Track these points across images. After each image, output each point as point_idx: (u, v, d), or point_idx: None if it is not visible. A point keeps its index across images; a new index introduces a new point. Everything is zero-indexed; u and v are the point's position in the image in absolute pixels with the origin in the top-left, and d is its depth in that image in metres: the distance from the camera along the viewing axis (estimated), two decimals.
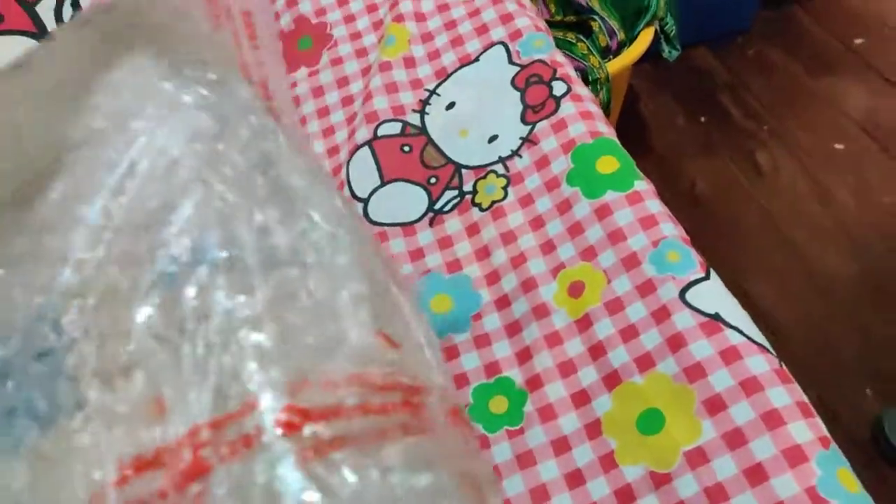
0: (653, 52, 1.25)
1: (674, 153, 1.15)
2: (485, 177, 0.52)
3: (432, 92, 0.57)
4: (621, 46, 0.87)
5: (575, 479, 0.41)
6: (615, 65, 0.85)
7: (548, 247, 0.48)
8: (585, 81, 0.84)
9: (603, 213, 0.47)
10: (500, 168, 0.52)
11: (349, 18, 0.63)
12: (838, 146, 1.13)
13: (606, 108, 0.88)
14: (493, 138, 0.53)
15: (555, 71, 0.54)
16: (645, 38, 0.88)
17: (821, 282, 0.99)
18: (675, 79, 1.23)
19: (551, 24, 0.87)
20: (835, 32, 1.26)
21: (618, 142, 0.51)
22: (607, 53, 0.86)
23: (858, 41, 1.25)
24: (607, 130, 0.51)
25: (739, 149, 1.13)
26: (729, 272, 1.02)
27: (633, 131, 1.17)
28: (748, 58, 1.25)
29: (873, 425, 0.85)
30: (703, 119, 1.18)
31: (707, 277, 0.44)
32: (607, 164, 0.49)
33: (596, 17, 0.86)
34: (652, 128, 1.19)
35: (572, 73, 0.54)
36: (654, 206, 0.47)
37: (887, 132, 1.14)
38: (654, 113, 1.20)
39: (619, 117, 1.03)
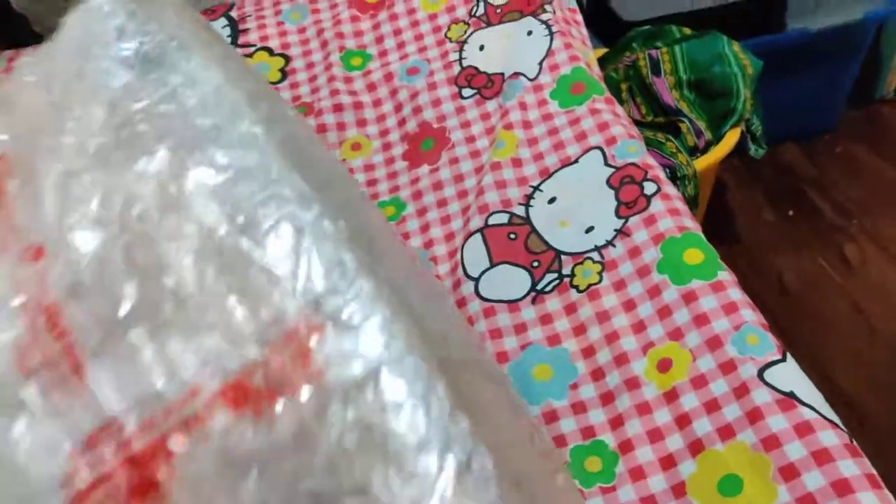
0: (740, 149, 1.31)
1: (761, 246, 1.19)
2: (582, 262, 0.60)
3: (536, 188, 0.66)
4: (709, 145, 0.95)
5: None
6: (702, 162, 0.93)
7: (639, 326, 0.55)
8: (674, 178, 0.92)
9: (689, 298, 0.54)
10: (595, 255, 0.60)
11: (465, 125, 0.74)
12: None
13: (694, 202, 0.95)
14: (589, 229, 0.61)
15: (646, 172, 0.62)
16: (731, 138, 0.95)
17: None
18: (762, 173, 1.28)
19: (642, 125, 0.96)
20: None
21: (703, 236, 0.58)
22: (695, 152, 0.94)
23: None
24: (693, 226, 0.59)
25: (828, 243, 1.16)
26: (816, 362, 1.04)
27: (720, 223, 1.22)
28: (835, 154, 1.28)
29: None
30: (790, 213, 1.22)
31: (784, 360, 0.49)
32: (694, 256, 0.56)
33: (684, 119, 0.94)
34: (739, 220, 1.23)
35: (662, 175, 0.62)
36: (736, 294, 0.53)
37: None
38: (742, 206, 1.25)
39: (706, 209, 1.09)
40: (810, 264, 1.14)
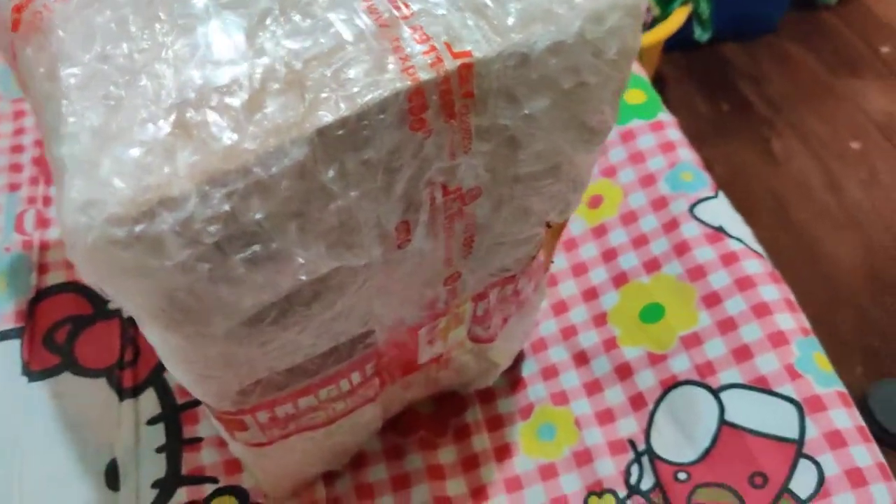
0: (683, 41, 1.28)
1: (694, 137, 1.18)
2: None
3: None
4: (655, 21, 0.91)
5: (580, 359, 0.45)
6: (647, 38, 0.90)
7: None
8: None
9: (627, 137, 0.52)
10: None
11: None
12: (854, 144, 1.16)
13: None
14: None
15: None
16: (678, 16, 0.92)
17: (823, 264, 1.02)
18: (701, 68, 1.27)
19: None
20: (862, 37, 1.30)
21: (647, 80, 0.55)
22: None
23: (885, 49, 1.28)
24: (637, 69, 0.56)
25: (757, 137, 1.17)
26: None
27: None
28: (773, 53, 1.28)
29: (860, 402, 0.88)
30: (724, 107, 1.21)
31: (716, 196, 0.48)
32: (635, 97, 0.54)
33: None
34: (675, 112, 1.22)
35: None
36: (675, 134, 0.51)
37: None
38: (680, 99, 1.24)
39: None
40: (738, 156, 1.15)
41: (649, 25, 0.91)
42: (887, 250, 1.04)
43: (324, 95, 0.20)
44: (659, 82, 1.26)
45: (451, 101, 0.21)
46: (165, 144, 0.19)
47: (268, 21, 0.21)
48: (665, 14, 0.92)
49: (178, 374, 0.26)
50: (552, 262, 0.37)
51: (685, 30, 1.05)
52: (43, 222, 0.50)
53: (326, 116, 0.20)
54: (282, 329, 0.25)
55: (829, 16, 1.34)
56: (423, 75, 0.21)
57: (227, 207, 0.20)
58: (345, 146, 0.21)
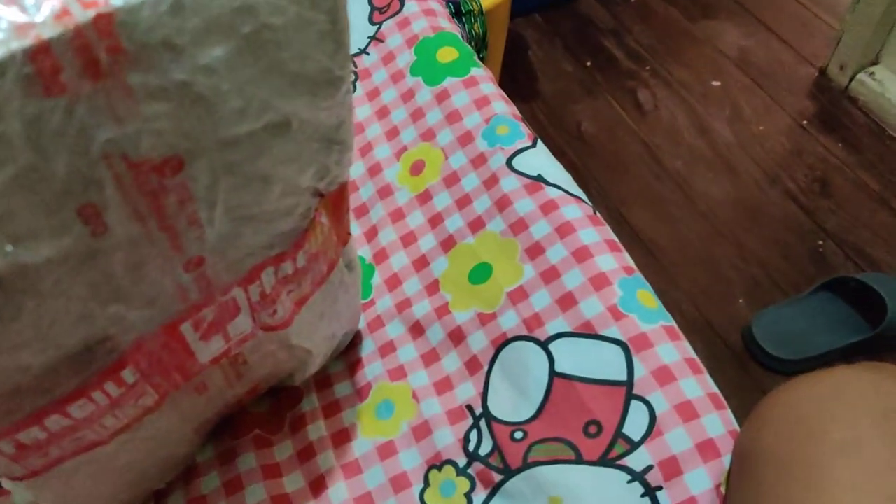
0: (542, 3, 1.29)
1: (561, 97, 1.20)
2: None
3: None
4: None
5: (416, 330, 0.43)
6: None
7: (392, 133, 0.51)
8: (458, 13, 0.87)
9: (442, 97, 0.50)
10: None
11: None
12: (715, 83, 1.20)
13: (483, 41, 0.91)
14: None
15: None
16: None
17: (699, 205, 1.05)
18: (562, 27, 1.28)
19: None
20: None
21: (459, 35, 0.54)
22: None
23: None
24: (449, 26, 0.54)
25: (622, 89, 1.19)
26: (613, 202, 1.08)
27: (522, 79, 1.21)
28: (631, 5, 1.30)
29: (744, 332, 0.91)
30: (588, 63, 1.23)
31: (534, 146, 0.47)
32: (447, 54, 0.52)
33: None
34: (540, 75, 1.23)
35: None
36: (489, 88, 0.50)
37: (759, 69, 1.21)
38: (543, 60, 1.24)
39: (509, 65, 1.07)
40: (606, 111, 1.17)
41: None
42: (756, 182, 1.08)
43: None
44: (521, 47, 1.26)
45: (93, 58, 0.19)
46: None
47: None
48: None
49: None
50: (348, 233, 0.35)
51: None
52: None
53: None
54: None
55: None
56: (47, 32, 0.18)
57: None
58: None
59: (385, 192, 0.49)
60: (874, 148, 1.07)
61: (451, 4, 0.81)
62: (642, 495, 0.35)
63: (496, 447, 0.38)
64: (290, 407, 0.42)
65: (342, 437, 0.40)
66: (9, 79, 0.18)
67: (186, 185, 0.23)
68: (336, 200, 0.31)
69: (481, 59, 0.86)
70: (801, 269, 0.96)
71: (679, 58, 1.25)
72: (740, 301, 0.97)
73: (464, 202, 0.46)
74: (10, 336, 0.22)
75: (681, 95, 1.20)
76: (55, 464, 0.28)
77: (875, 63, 1.10)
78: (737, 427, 0.37)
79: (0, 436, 0.25)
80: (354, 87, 0.53)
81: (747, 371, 0.91)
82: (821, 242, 0.98)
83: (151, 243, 0.23)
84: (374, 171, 0.50)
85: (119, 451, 0.31)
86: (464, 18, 0.90)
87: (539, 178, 0.45)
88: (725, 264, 1.00)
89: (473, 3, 0.88)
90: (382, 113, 0.52)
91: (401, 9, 0.55)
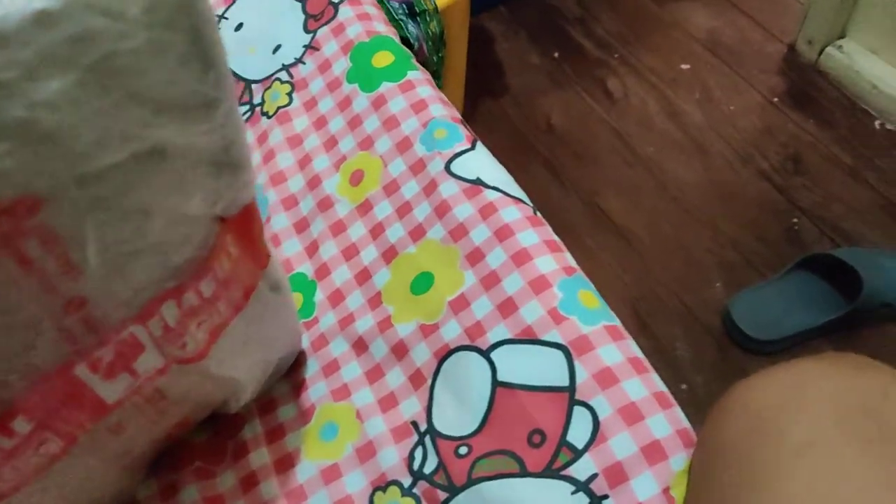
0: None
1: (529, 90, 1.18)
2: (270, 86, 0.53)
3: (221, 16, 0.57)
4: None
5: (359, 347, 0.42)
6: None
7: (330, 143, 0.49)
8: (412, 13, 0.85)
9: (379, 103, 0.49)
10: (284, 75, 0.53)
11: None
12: (684, 66, 1.19)
13: (440, 40, 0.90)
14: (277, 48, 0.54)
15: None
16: None
17: (671, 190, 1.04)
18: (527, 19, 1.26)
19: None
20: None
21: (395, 38, 0.52)
22: None
23: None
24: (385, 29, 0.53)
25: (591, 79, 1.17)
26: (586, 193, 1.06)
27: (489, 73, 1.20)
28: None
29: (723, 315, 0.90)
30: (556, 55, 1.21)
31: (473, 148, 0.46)
32: (383, 59, 0.50)
33: None
34: (507, 68, 1.21)
35: None
36: (426, 91, 0.48)
37: (727, 49, 1.20)
38: (509, 54, 1.23)
39: (475, 60, 1.05)
40: (576, 101, 1.15)
41: None
42: (728, 163, 1.06)
43: None
44: (486, 41, 1.25)
45: None
46: None
47: None
48: None
49: None
50: (266, 255, 0.34)
51: None
52: None
53: None
54: None
55: None
56: None
57: None
58: None
59: (325, 204, 0.47)
60: (845, 122, 1.06)
61: (404, 5, 0.79)
62: None
63: (441, 464, 0.37)
64: (231, 435, 0.41)
65: (286, 463, 0.39)
66: None
67: (48, 225, 0.21)
68: (242, 223, 0.30)
69: (440, 58, 0.85)
70: (776, 249, 0.95)
71: (647, 43, 1.24)
72: (717, 285, 0.95)
73: (404, 210, 0.45)
74: None
75: (650, 81, 1.19)
76: None
77: (843, 36, 1.09)
78: (686, 425, 0.36)
79: None
80: (290, 98, 0.52)
81: (728, 355, 0.90)
82: (796, 220, 0.97)
83: (18, 290, 0.22)
84: (314, 183, 0.48)
85: (33, 501, 0.29)
86: (418, 18, 0.88)
87: (478, 182, 0.44)
88: (701, 248, 0.99)
89: (427, 2, 0.87)
90: (320, 123, 0.50)
91: (335, 15, 0.53)
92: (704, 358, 0.88)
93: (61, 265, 0.23)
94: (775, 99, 1.11)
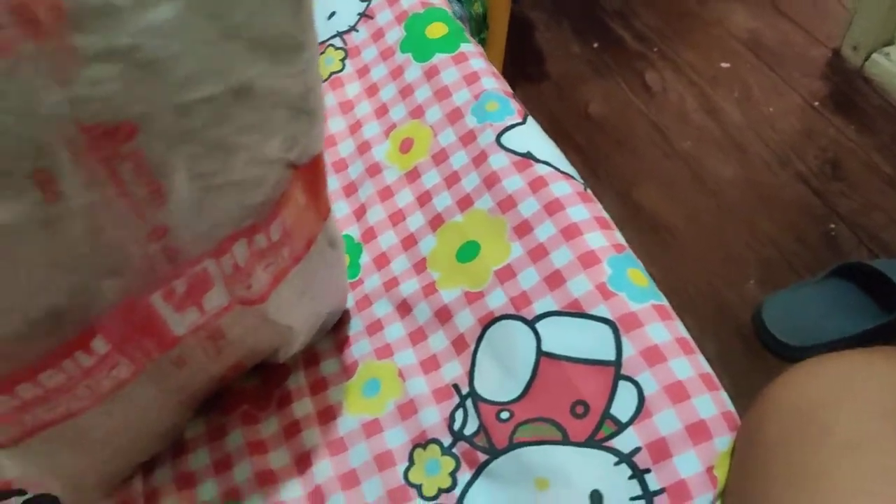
0: None
1: (569, 78, 1.18)
2: (324, 52, 0.53)
3: None
4: None
5: (403, 309, 0.43)
6: None
7: (381, 111, 0.50)
8: None
9: (431, 73, 0.49)
10: (337, 41, 0.53)
11: None
12: (724, 64, 1.18)
13: (483, 22, 0.90)
14: (331, 15, 0.54)
15: None
16: None
17: (709, 185, 1.03)
18: (568, 10, 1.26)
19: None
20: None
21: (448, 11, 0.53)
22: None
23: None
24: (439, 2, 0.53)
25: (630, 70, 1.17)
26: (622, 183, 1.06)
27: (530, 60, 1.20)
28: None
29: (754, 316, 0.90)
30: (595, 45, 1.21)
31: (524, 122, 0.46)
32: (437, 30, 0.51)
33: None
34: (547, 56, 1.21)
35: None
36: (479, 63, 0.49)
37: (769, 50, 1.19)
38: (550, 42, 1.22)
39: (516, 47, 1.05)
40: (615, 92, 1.15)
41: None
42: (766, 163, 1.06)
43: None
44: (528, 29, 1.25)
45: (33, 17, 0.18)
46: None
47: None
48: None
49: None
50: (327, 208, 0.35)
51: None
52: None
53: None
54: None
55: None
56: None
57: None
58: None
59: (374, 170, 0.48)
60: (888, 129, 1.05)
61: None
62: (630, 477, 0.34)
63: (482, 427, 0.38)
64: (277, 384, 0.42)
65: (328, 415, 0.40)
66: None
67: (142, 151, 0.22)
68: (311, 173, 0.31)
69: (482, 41, 0.85)
70: (813, 252, 0.94)
71: (687, 39, 1.23)
72: (751, 282, 0.95)
73: (452, 180, 0.45)
74: None
75: (689, 77, 1.18)
76: (32, 433, 0.28)
77: (890, 43, 1.07)
78: (731, 408, 0.36)
79: None
80: (343, 64, 0.53)
81: (757, 354, 0.89)
82: (833, 226, 0.96)
83: (110, 212, 0.23)
84: (364, 149, 0.49)
85: (98, 423, 0.31)
86: None
87: (528, 156, 0.44)
88: (737, 244, 0.98)
89: None
90: (372, 91, 0.51)
91: None
92: (732, 358, 0.87)
93: (150, 192, 0.24)
94: (816, 103, 1.10)
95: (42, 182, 0.21)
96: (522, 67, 1.19)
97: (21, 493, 0.39)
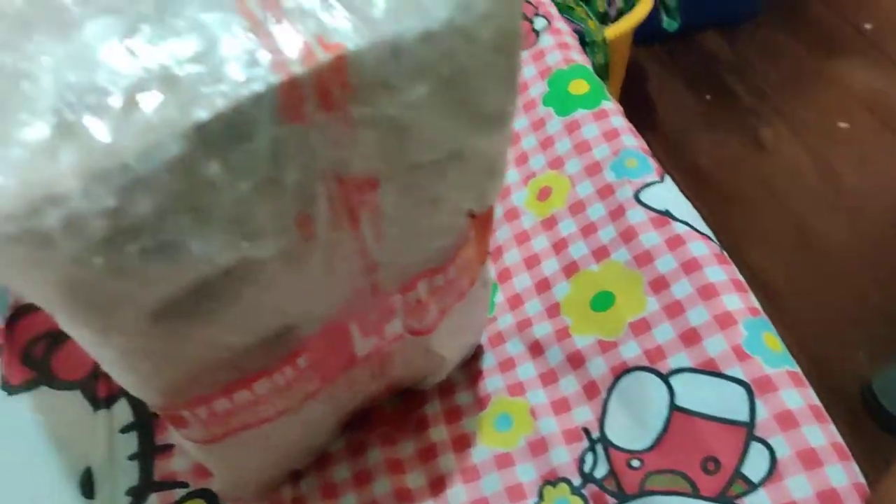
0: (662, 34, 1.29)
1: (680, 130, 1.19)
2: None
3: None
4: (620, 14, 0.92)
5: (535, 350, 0.46)
6: (613, 30, 0.90)
7: (521, 159, 0.53)
8: (582, 43, 0.89)
9: (572, 128, 0.52)
10: None
11: None
12: (842, 124, 1.16)
13: (604, 71, 0.93)
14: None
15: (537, 8, 0.59)
16: (643, 7, 0.92)
17: (819, 250, 1.01)
18: (682, 60, 1.27)
19: None
20: (844, 17, 1.29)
21: (591, 69, 0.56)
22: (606, 19, 0.91)
23: (867, 26, 1.28)
24: (581, 59, 0.56)
25: (743, 126, 1.17)
26: (728, 240, 1.05)
27: (641, 109, 1.22)
28: (755, 40, 1.28)
29: (864, 388, 0.87)
30: (708, 97, 1.21)
31: (662, 181, 0.48)
32: (579, 87, 0.54)
33: None
34: (659, 106, 1.23)
35: (553, 11, 0.59)
36: (618, 121, 0.52)
37: (891, 112, 1.16)
38: (662, 92, 1.24)
39: (628, 95, 1.08)
40: (725, 146, 1.15)
41: (614, 18, 0.92)
42: (883, 231, 1.03)
43: (200, 92, 0.21)
44: (640, 77, 1.27)
45: (328, 92, 0.22)
46: (48, 144, 0.20)
47: (143, 25, 0.22)
48: (630, 5, 0.93)
49: (106, 369, 0.27)
50: (488, 252, 0.38)
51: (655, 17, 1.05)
52: None
53: (202, 112, 0.21)
54: (194, 323, 0.25)
55: None
56: (296, 69, 0.21)
57: (111, 203, 0.21)
58: (225, 141, 0.21)
59: (512, 214, 0.51)
60: None
61: (576, 34, 0.83)
62: None
63: (612, 472, 0.39)
64: (414, 408, 0.45)
65: (462, 443, 0.43)
66: (264, 106, 0.21)
67: (377, 201, 0.26)
68: (484, 222, 0.34)
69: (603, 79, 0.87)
70: None
71: (804, 97, 1.22)
72: (860, 353, 0.92)
73: (589, 230, 0.48)
74: (226, 317, 0.26)
75: (804, 135, 1.17)
76: (231, 433, 0.32)
77: None
78: (862, 480, 0.36)
79: (199, 403, 0.29)
80: None
81: (863, 427, 0.87)
82: None
83: (344, 249, 0.27)
84: (503, 194, 0.52)
85: (277, 430, 0.34)
86: (587, 49, 0.92)
87: (667, 214, 0.46)
88: (845, 312, 0.96)
89: (597, 34, 0.90)
90: (514, 139, 0.54)
91: (536, 41, 0.57)
92: (837, 427, 0.85)
93: (375, 234, 0.27)
94: None
95: (302, 223, 0.25)
96: (633, 116, 1.20)
97: (183, 485, 0.43)
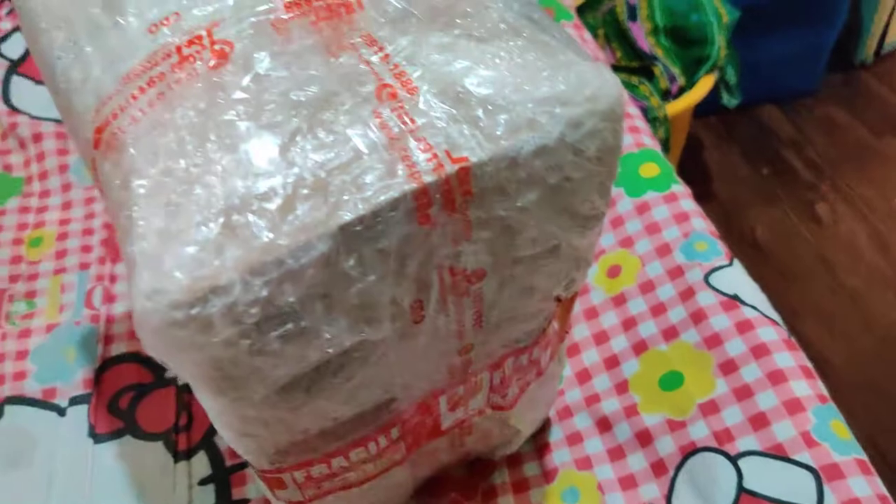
0: (720, 107, 1.31)
1: (735, 202, 1.20)
2: None
3: None
4: (681, 91, 0.95)
5: (603, 425, 0.47)
6: (675, 107, 0.93)
7: None
8: (645, 118, 0.92)
9: (642, 209, 0.54)
10: None
11: None
12: None
13: (666, 146, 0.96)
14: None
15: None
16: (704, 84, 0.95)
17: (875, 328, 1.00)
18: (740, 132, 1.29)
19: (617, 69, 0.96)
20: None
21: (661, 153, 0.58)
22: (668, 96, 0.94)
23: None
24: (651, 143, 0.59)
25: (800, 200, 1.17)
26: (783, 313, 1.05)
27: (697, 180, 1.23)
28: (813, 115, 1.29)
29: None
30: (765, 171, 1.23)
31: (731, 265, 0.50)
32: (649, 170, 0.57)
33: (658, 63, 0.94)
34: (715, 177, 1.24)
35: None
36: (688, 205, 0.54)
37: None
38: (718, 163, 1.25)
39: (684, 166, 1.10)
40: (782, 220, 1.15)
41: (676, 95, 0.95)
42: None
43: (345, 198, 0.24)
44: (696, 148, 1.29)
45: (452, 198, 0.25)
46: (215, 242, 0.24)
47: (298, 138, 0.25)
48: (691, 83, 0.95)
49: (224, 433, 0.30)
50: (567, 332, 0.40)
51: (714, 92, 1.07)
52: (109, 298, 0.56)
53: (347, 215, 0.24)
54: (311, 396, 0.28)
55: (868, 75, 1.35)
56: (427, 178, 0.25)
57: (264, 293, 0.24)
58: (363, 239, 0.25)
59: (581, 290, 0.53)
60: None
61: (639, 110, 0.86)
62: None
63: None
64: (483, 477, 0.47)
65: None
66: (401, 210, 0.24)
67: (481, 291, 0.29)
68: (568, 304, 0.37)
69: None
70: None
71: (862, 173, 1.22)
72: None
73: (658, 310, 0.50)
74: (339, 392, 0.28)
75: (862, 212, 1.17)
76: (321, 496, 0.35)
77: None
78: None
79: (299, 466, 0.32)
80: None
81: None
82: None
83: (447, 332, 0.29)
84: None
85: (365, 494, 0.37)
86: (649, 124, 0.95)
87: (735, 297, 0.48)
88: None
89: (660, 111, 0.93)
90: None
91: None
92: None
93: (475, 319, 0.30)
94: None
95: (415, 309, 0.27)
96: (689, 187, 1.22)
97: None
